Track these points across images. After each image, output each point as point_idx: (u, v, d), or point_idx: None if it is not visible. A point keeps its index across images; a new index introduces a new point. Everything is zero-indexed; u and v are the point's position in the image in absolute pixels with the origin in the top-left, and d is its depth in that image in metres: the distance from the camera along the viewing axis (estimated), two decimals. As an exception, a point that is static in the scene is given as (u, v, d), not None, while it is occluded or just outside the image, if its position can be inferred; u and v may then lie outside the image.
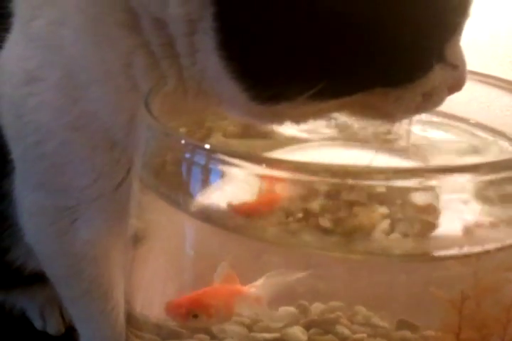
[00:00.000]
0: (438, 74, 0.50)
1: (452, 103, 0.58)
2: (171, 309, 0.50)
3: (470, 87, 0.56)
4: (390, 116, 0.52)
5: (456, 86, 0.52)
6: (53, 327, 0.85)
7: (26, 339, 0.84)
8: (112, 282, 0.65)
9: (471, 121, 0.59)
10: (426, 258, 0.45)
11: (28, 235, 0.65)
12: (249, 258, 0.49)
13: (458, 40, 0.51)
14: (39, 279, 0.74)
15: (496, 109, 0.57)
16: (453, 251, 0.43)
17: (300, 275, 0.49)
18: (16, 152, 0.61)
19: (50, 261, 0.66)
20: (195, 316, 0.49)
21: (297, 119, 0.54)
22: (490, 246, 0.43)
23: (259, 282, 0.50)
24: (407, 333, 0.50)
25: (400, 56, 0.48)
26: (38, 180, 0.61)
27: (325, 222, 0.46)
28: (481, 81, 0.57)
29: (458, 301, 0.44)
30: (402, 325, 0.51)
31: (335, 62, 0.47)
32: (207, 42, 0.49)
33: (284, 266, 0.48)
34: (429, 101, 0.51)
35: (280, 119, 0.54)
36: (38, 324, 0.85)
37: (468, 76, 0.56)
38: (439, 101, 0.52)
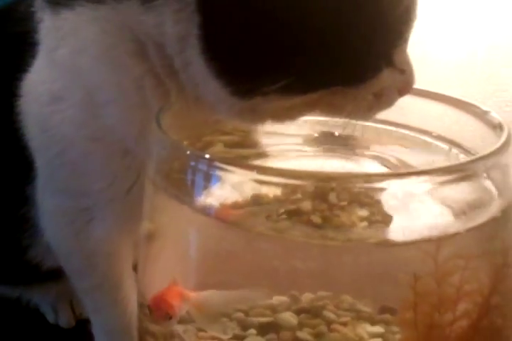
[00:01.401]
0: (387, 77, 0.56)
1: (419, 119, 0.65)
2: (157, 308, 0.52)
3: (433, 106, 0.62)
4: (349, 114, 0.58)
5: (404, 88, 0.58)
6: (65, 320, 0.87)
7: (40, 331, 0.86)
8: (122, 275, 0.69)
9: (433, 134, 0.65)
10: (391, 244, 0.52)
11: (48, 234, 0.69)
12: (243, 247, 0.55)
13: (405, 48, 0.58)
14: (53, 276, 0.77)
15: (452, 124, 0.63)
16: (413, 238, 0.51)
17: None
18: (40, 161, 0.66)
19: (67, 257, 0.70)
20: (170, 318, 0.52)
21: (275, 117, 0.59)
22: (443, 233, 0.51)
23: (205, 293, 0.52)
24: (387, 316, 0.53)
25: (352, 59, 0.54)
26: (59, 185, 0.66)
27: (315, 218, 0.54)
28: (439, 100, 0.63)
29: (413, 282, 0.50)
30: (383, 309, 0.54)
31: (296, 61, 0.54)
32: (194, 52, 0.55)
33: (274, 255, 0.54)
34: (380, 101, 0.57)
35: (260, 118, 0.59)
36: (50, 317, 0.88)
37: (430, 95, 0.63)
38: (389, 101, 0.58)
